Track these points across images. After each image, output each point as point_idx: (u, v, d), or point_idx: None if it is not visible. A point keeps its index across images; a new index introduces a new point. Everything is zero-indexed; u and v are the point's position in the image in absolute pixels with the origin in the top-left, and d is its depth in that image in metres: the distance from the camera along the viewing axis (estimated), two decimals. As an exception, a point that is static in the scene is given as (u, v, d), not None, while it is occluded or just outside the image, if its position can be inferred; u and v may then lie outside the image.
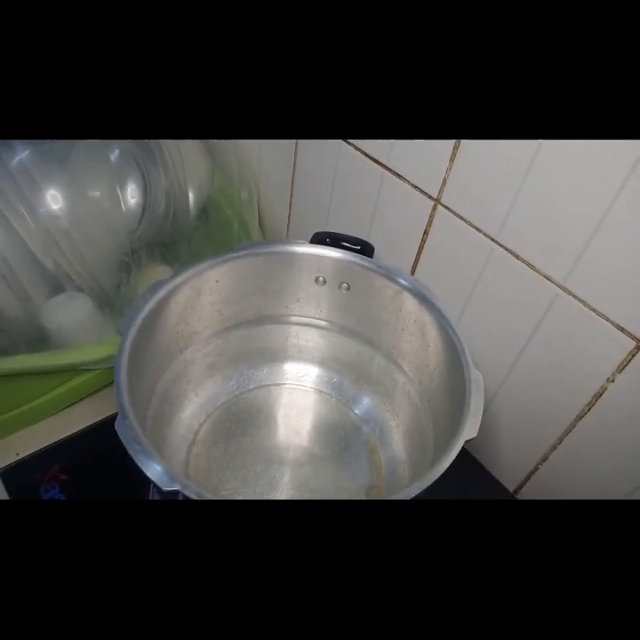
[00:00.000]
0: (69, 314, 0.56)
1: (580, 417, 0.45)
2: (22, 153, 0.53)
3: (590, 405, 0.44)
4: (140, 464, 0.31)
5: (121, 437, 0.32)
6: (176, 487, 0.30)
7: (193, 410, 0.51)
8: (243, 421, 0.52)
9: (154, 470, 0.31)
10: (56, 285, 0.55)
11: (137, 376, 0.38)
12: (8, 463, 0.51)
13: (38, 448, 0.53)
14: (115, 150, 0.59)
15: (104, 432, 0.53)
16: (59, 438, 0.54)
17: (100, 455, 0.51)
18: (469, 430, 0.36)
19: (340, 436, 0.52)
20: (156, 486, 0.32)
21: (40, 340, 0.55)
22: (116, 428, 0.33)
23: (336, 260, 0.48)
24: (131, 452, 0.32)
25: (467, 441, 0.36)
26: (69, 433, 0.54)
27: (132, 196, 0.58)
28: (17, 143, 0.53)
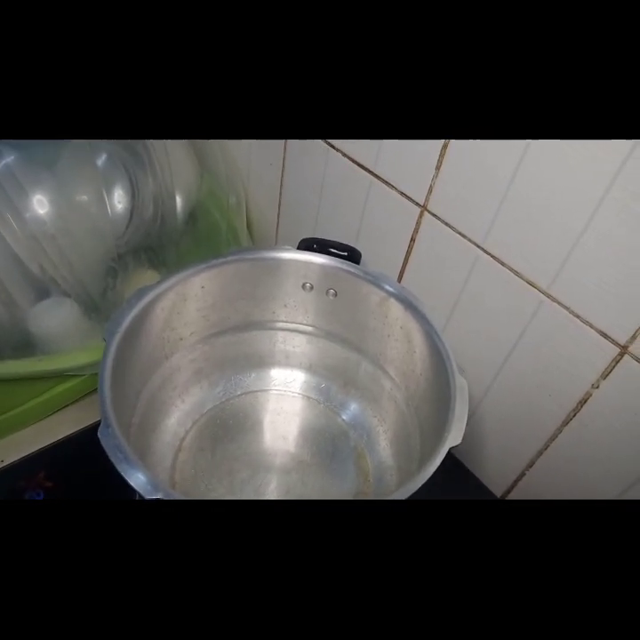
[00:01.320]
0: (55, 319, 0.56)
1: (565, 423, 0.45)
2: (8, 157, 0.53)
3: (575, 411, 0.44)
4: (122, 473, 0.31)
5: (104, 445, 0.32)
6: (159, 496, 0.30)
7: (179, 416, 0.50)
8: (230, 428, 0.52)
9: (137, 479, 0.31)
10: (42, 290, 0.55)
11: (121, 383, 0.38)
12: (-4, 468, 0.51)
13: (23, 454, 0.52)
14: (102, 155, 0.58)
15: (90, 439, 0.53)
16: (44, 445, 0.53)
17: (85, 462, 0.50)
18: (454, 437, 0.36)
19: (328, 442, 0.52)
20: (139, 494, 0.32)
21: (26, 345, 0.54)
22: (99, 436, 0.33)
23: (323, 267, 0.48)
24: (113, 460, 0.32)
25: (452, 447, 0.36)
26: (55, 439, 0.54)
27: (119, 200, 0.58)
28: (3, 147, 0.53)
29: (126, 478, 0.31)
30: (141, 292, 0.41)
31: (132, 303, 0.40)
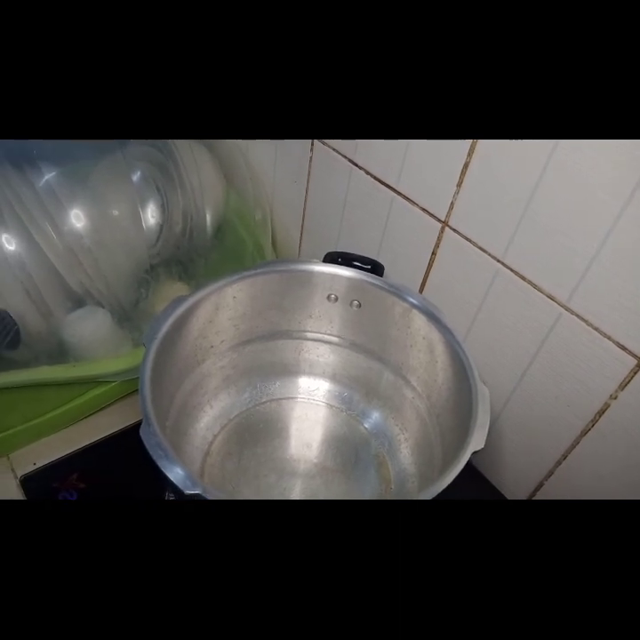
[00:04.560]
0: (89, 328, 0.58)
1: (583, 433, 0.46)
2: (49, 174, 0.56)
3: (594, 422, 0.45)
4: (163, 468, 0.33)
5: (145, 443, 0.34)
6: (197, 490, 0.32)
7: (208, 421, 0.52)
8: (256, 433, 0.53)
9: (176, 474, 0.33)
10: (77, 300, 0.57)
11: (158, 386, 0.40)
12: (27, 472, 0.53)
13: (57, 457, 0.54)
14: (137, 171, 0.61)
15: (120, 442, 0.56)
16: (77, 448, 0.55)
17: (116, 464, 0.53)
18: (477, 441, 0.38)
19: (350, 449, 0.53)
20: (176, 491, 0.33)
21: (60, 352, 0.57)
22: (141, 434, 0.35)
23: (348, 279, 0.50)
24: (154, 456, 0.33)
25: (474, 452, 0.38)
26: (87, 443, 0.56)
27: (152, 215, 0.61)
28: (44, 164, 0.56)
29: (166, 474, 0.33)
30: (178, 301, 0.44)
31: (169, 311, 0.42)
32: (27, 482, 0.52)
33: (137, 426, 0.54)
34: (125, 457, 0.52)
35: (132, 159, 0.63)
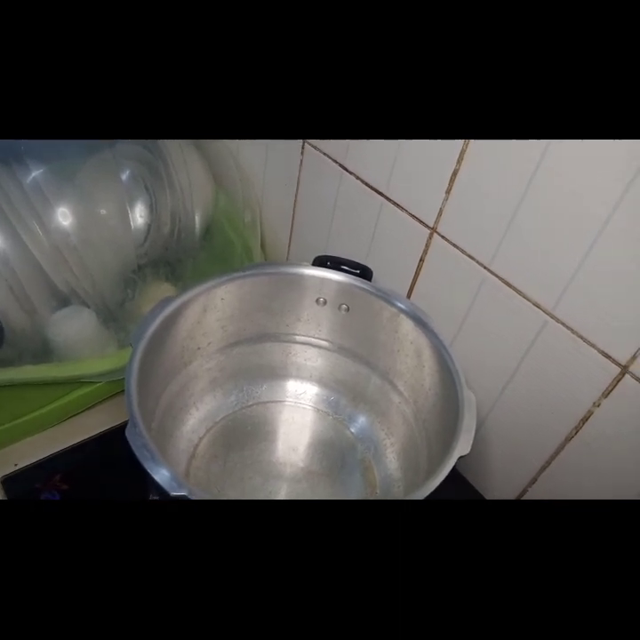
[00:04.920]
0: (74, 327, 0.57)
1: (567, 440, 0.47)
2: (36, 171, 0.55)
3: (577, 429, 0.46)
4: (149, 470, 0.33)
5: (131, 444, 0.34)
6: (183, 492, 0.32)
7: (193, 424, 0.52)
8: (241, 436, 0.53)
9: (162, 476, 0.33)
10: (62, 299, 0.57)
11: (144, 387, 0.40)
12: (8, 472, 0.52)
13: (39, 458, 0.53)
14: (126, 170, 0.61)
15: (104, 443, 0.55)
16: (60, 448, 0.54)
17: (100, 465, 0.52)
18: (462, 447, 0.38)
19: (336, 454, 0.53)
20: (161, 492, 0.33)
21: (45, 351, 0.56)
22: (127, 436, 0.34)
23: (337, 283, 0.50)
24: (140, 458, 0.33)
25: (460, 457, 0.38)
26: (71, 443, 0.55)
27: (140, 214, 0.60)
28: (31, 161, 0.55)
29: (152, 475, 0.33)
30: (166, 301, 0.43)
31: (157, 311, 0.42)
32: (8, 482, 0.51)
33: (122, 427, 0.54)
34: (109, 458, 0.52)
35: (122, 158, 0.62)
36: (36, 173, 0.55)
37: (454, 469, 0.38)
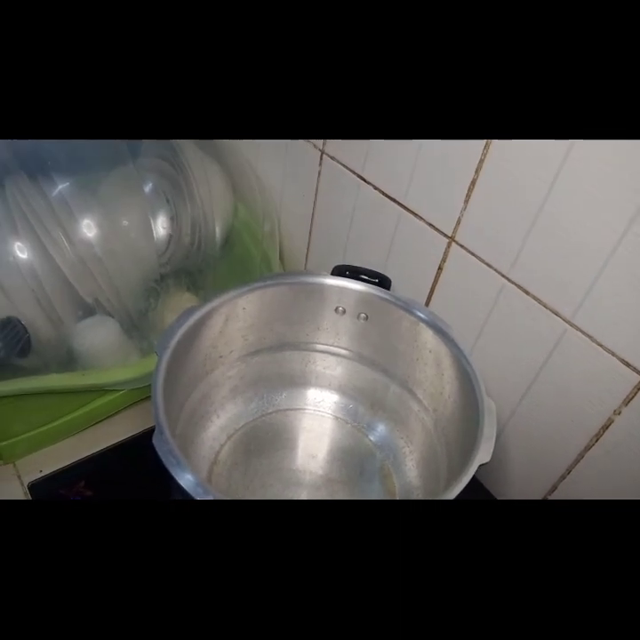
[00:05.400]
0: (98, 337, 0.59)
1: (587, 448, 0.47)
2: (62, 184, 0.57)
3: (597, 437, 0.46)
4: (175, 476, 0.33)
5: (158, 451, 0.35)
6: (209, 498, 0.32)
7: (214, 431, 0.53)
8: (262, 444, 0.54)
9: (188, 481, 0.33)
10: (87, 309, 0.58)
11: (169, 395, 0.41)
12: (35, 478, 0.53)
13: (64, 464, 0.55)
14: (148, 183, 0.62)
15: (127, 449, 0.56)
16: (84, 455, 0.55)
17: (124, 471, 0.53)
18: (483, 454, 0.38)
19: (355, 461, 0.54)
20: (186, 498, 0.34)
21: (69, 360, 0.57)
22: (154, 442, 0.35)
23: (356, 292, 0.51)
24: (166, 464, 0.34)
25: (480, 465, 0.38)
26: (94, 450, 0.56)
27: (162, 226, 0.62)
28: (57, 175, 0.57)
29: (178, 480, 0.33)
30: (190, 311, 0.44)
31: (181, 321, 0.43)
32: (34, 488, 0.52)
33: (144, 434, 0.55)
34: (132, 464, 0.53)
35: (144, 171, 0.64)
36: (61, 187, 0.57)
37: (473, 477, 0.38)
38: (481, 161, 0.46)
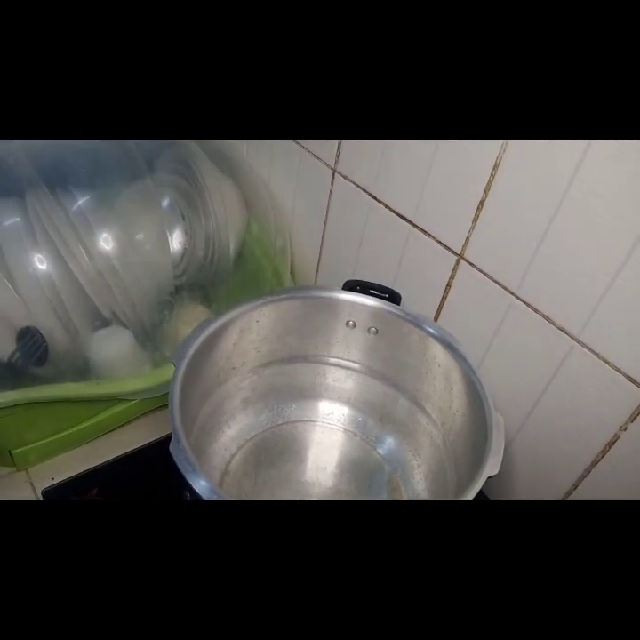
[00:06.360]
0: (113, 347, 0.60)
1: (593, 464, 0.47)
2: (81, 199, 0.58)
3: (604, 453, 0.46)
4: (191, 482, 0.34)
5: (174, 458, 0.36)
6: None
7: (225, 441, 0.54)
8: (271, 455, 0.55)
9: (203, 488, 0.34)
10: (103, 320, 0.59)
11: (184, 404, 0.42)
12: (48, 485, 0.54)
13: (76, 472, 0.56)
14: (165, 199, 0.64)
15: (139, 457, 0.57)
16: (96, 463, 0.56)
17: (136, 479, 0.54)
18: (491, 468, 0.39)
19: (364, 474, 0.54)
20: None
21: (85, 370, 0.59)
22: (171, 450, 0.36)
23: (367, 306, 0.52)
24: (183, 471, 0.35)
25: (488, 478, 0.39)
26: (107, 458, 0.57)
27: (177, 240, 0.63)
28: (76, 190, 0.59)
29: (194, 488, 0.34)
30: (206, 323, 0.45)
31: (197, 333, 0.44)
32: (46, 495, 0.53)
33: (156, 443, 0.56)
34: (144, 472, 0.54)
35: (161, 186, 0.66)
36: (80, 201, 0.58)
37: (480, 491, 0.39)
38: (489, 182, 0.48)
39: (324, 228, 0.69)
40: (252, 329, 0.51)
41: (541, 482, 0.52)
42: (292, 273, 0.75)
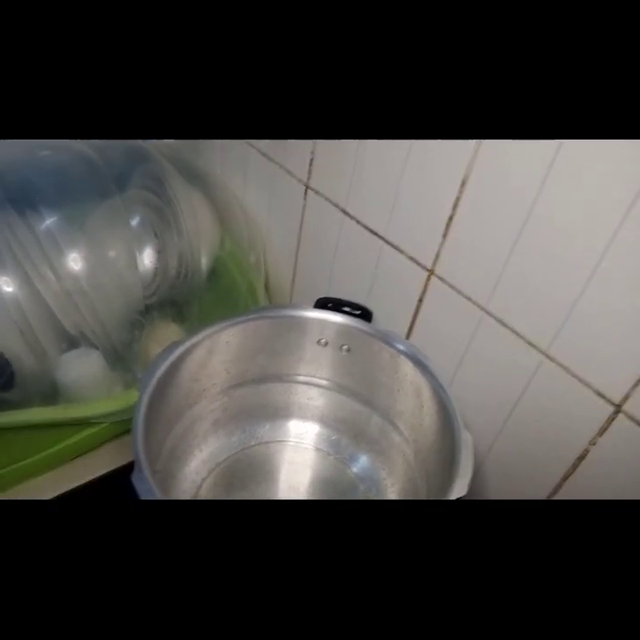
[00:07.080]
0: (82, 369, 0.59)
1: (565, 478, 0.47)
2: (49, 218, 0.58)
3: (575, 466, 0.46)
4: (153, 514, 0.34)
5: (137, 489, 0.35)
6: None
7: (196, 465, 0.53)
8: (244, 477, 0.54)
9: (166, 520, 0.33)
10: (71, 341, 0.58)
11: (150, 431, 0.41)
12: (16, 513, 0.53)
13: (48, 497, 0.54)
14: (135, 217, 0.63)
15: (110, 483, 0.56)
16: (67, 489, 0.55)
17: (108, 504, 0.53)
18: (459, 489, 0.39)
19: (338, 494, 0.54)
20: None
21: (53, 393, 0.57)
22: (133, 480, 0.35)
23: (338, 324, 0.52)
24: (145, 502, 0.34)
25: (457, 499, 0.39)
26: (77, 483, 0.56)
27: (148, 259, 0.62)
28: (45, 209, 0.58)
29: (157, 520, 0.33)
30: (173, 346, 0.45)
31: (164, 356, 0.44)
32: (15, 524, 0.51)
33: (128, 467, 0.55)
34: (115, 498, 0.52)
35: (131, 203, 0.65)
36: (48, 221, 0.57)
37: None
38: (457, 199, 0.48)
39: (299, 244, 0.69)
40: (222, 350, 0.50)
41: (514, 496, 0.52)
42: (266, 288, 0.75)
